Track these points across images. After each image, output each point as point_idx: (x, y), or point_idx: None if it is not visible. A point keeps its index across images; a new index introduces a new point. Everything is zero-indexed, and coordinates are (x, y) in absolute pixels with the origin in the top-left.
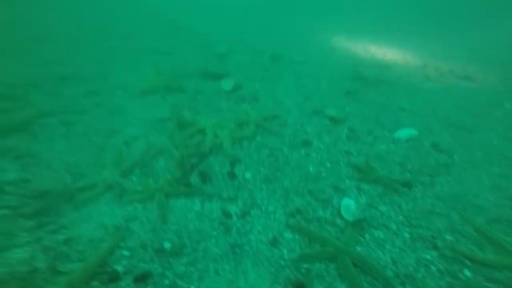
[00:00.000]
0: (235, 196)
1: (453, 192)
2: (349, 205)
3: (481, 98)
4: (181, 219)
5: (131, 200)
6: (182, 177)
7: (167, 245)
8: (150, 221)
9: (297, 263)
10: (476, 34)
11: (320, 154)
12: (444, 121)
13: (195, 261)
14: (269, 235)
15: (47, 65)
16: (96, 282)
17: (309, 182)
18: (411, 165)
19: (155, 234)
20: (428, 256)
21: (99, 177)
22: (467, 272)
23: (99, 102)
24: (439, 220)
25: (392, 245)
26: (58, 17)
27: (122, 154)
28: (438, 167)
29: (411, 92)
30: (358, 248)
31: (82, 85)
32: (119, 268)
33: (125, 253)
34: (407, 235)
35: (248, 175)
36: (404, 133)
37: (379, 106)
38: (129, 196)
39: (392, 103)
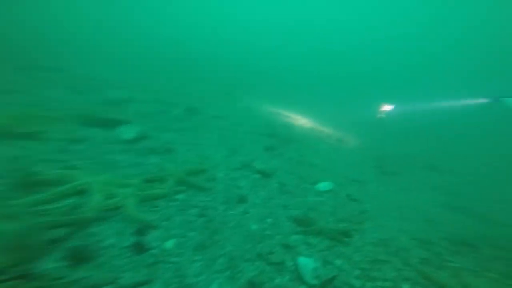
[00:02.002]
0: (148, 279)
1: (381, 238)
2: (308, 265)
3: (355, 157)
4: None
5: None
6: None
7: None
8: None
9: None
10: (356, 111)
11: (258, 209)
12: (344, 175)
13: None
14: None
15: None
16: None
17: (256, 242)
18: (341, 215)
19: None
20: None
21: None
22: None
23: None
24: (387, 268)
25: None
26: None
27: None
28: (359, 215)
29: (316, 151)
30: None
31: None
32: None
33: None
34: None
35: (169, 244)
36: (323, 186)
37: (297, 162)
38: None
39: (305, 160)
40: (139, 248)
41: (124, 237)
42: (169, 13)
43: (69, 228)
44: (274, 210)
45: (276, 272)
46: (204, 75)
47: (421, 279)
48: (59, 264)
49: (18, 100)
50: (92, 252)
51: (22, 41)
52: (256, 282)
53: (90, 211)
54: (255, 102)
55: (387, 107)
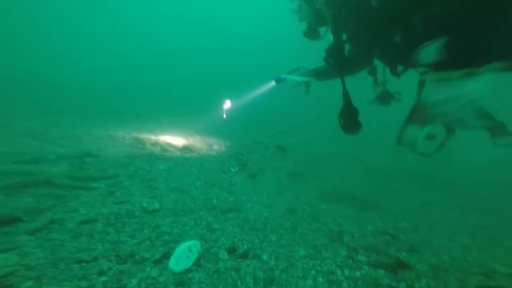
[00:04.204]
0: None
1: None
2: None
3: (212, 164)
4: None
5: None
6: None
7: None
8: None
9: None
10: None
11: None
12: (208, 206)
13: None
14: None
15: None
16: None
17: None
18: None
19: None
20: None
21: None
22: None
23: None
24: None
25: None
26: None
27: None
28: (266, 285)
29: (151, 182)
30: None
31: None
32: None
33: None
34: None
35: None
36: (181, 254)
37: (110, 224)
38: None
39: (132, 208)
40: None
41: None
42: None
43: None
44: None
45: None
46: None
47: None
48: None
49: None
50: None
51: None
52: None
53: None
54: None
55: (227, 104)
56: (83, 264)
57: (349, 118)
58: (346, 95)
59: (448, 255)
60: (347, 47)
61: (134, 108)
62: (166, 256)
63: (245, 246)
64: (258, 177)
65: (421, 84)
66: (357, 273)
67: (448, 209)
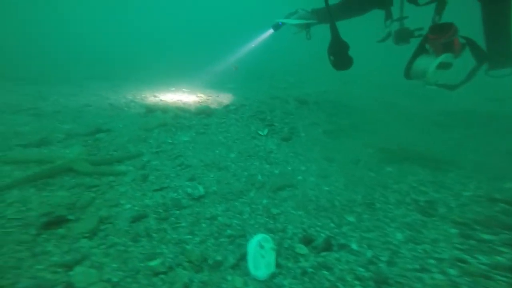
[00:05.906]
0: None
1: None
2: None
3: (238, 132)
4: None
5: None
6: None
7: None
8: None
9: None
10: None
11: None
12: (258, 185)
13: None
14: None
15: None
16: None
17: None
18: None
19: None
20: None
21: None
22: None
23: None
24: None
25: None
26: None
27: None
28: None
29: (175, 157)
30: None
31: None
32: None
33: None
34: None
35: None
36: (255, 254)
37: (162, 218)
38: None
39: (176, 195)
40: None
41: None
42: None
43: None
44: None
45: None
46: None
47: None
48: None
49: None
50: None
51: None
52: None
53: None
54: None
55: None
56: (163, 276)
57: (339, 54)
58: (333, 28)
59: None
60: None
61: (122, 72)
62: (241, 258)
63: (322, 234)
64: (293, 139)
65: (442, 4)
66: (500, 259)
67: None
